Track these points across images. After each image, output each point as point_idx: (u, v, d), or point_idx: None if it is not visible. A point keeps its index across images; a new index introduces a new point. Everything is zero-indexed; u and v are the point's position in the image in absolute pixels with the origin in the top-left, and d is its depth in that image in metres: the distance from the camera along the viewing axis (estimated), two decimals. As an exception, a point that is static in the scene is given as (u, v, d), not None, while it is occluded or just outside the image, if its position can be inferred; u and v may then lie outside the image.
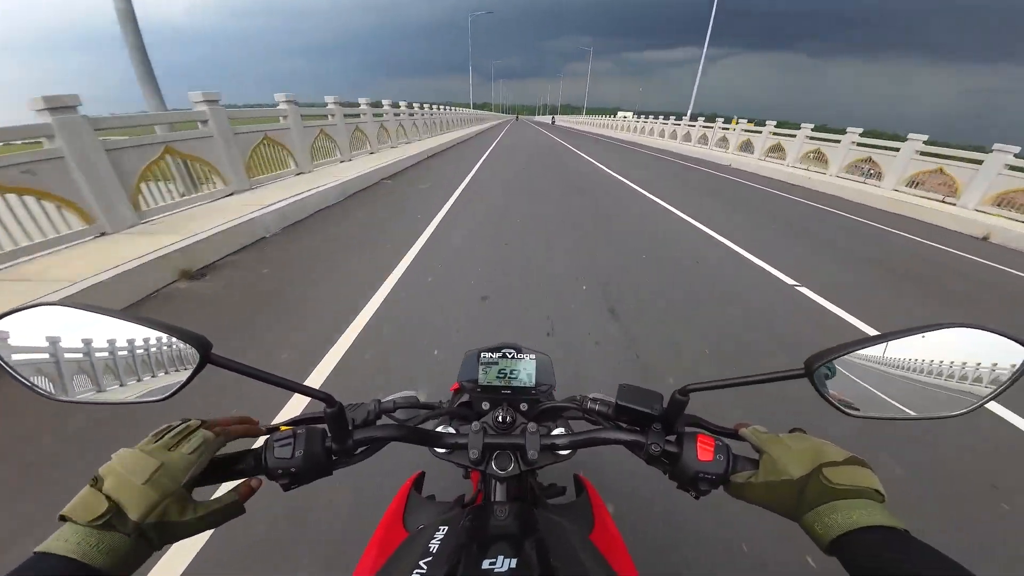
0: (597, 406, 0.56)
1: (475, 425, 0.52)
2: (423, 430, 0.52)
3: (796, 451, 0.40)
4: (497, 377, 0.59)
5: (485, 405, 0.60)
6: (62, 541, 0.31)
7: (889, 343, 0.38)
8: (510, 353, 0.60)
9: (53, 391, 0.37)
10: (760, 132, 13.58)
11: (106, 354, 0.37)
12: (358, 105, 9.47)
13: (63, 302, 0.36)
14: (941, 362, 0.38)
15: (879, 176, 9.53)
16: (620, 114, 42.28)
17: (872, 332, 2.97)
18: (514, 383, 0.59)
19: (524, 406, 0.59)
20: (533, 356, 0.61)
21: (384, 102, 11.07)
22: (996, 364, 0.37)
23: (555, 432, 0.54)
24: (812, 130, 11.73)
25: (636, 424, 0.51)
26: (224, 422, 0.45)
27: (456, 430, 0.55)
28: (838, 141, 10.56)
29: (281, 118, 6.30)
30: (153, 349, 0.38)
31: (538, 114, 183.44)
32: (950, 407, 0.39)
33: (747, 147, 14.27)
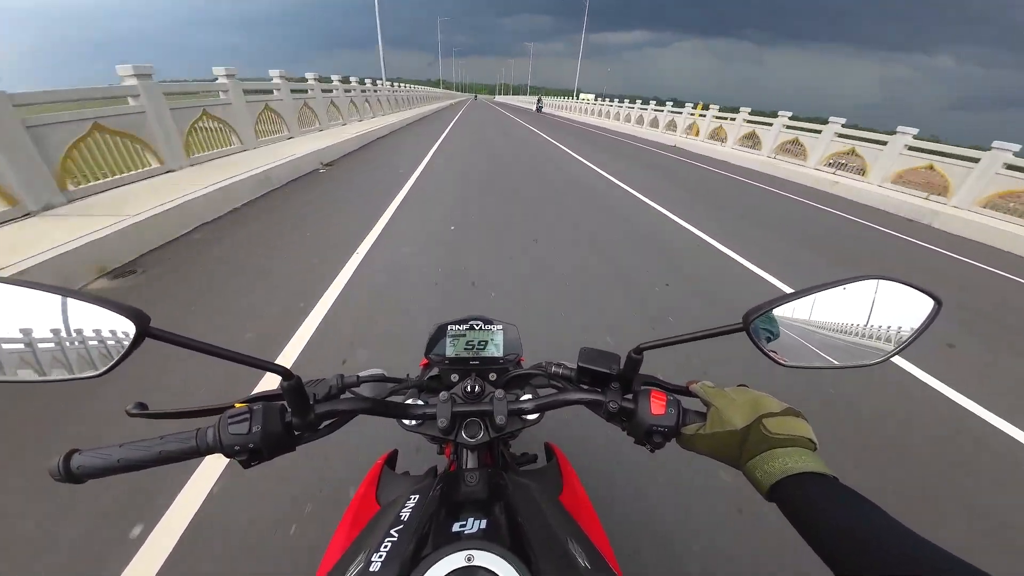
0: (561, 370, 0.57)
1: (443, 395, 0.52)
2: (390, 402, 0.52)
3: (739, 403, 0.44)
4: (465, 348, 0.60)
5: (454, 377, 0.59)
6: None
7: (816, 295, 0.42)
8: (477, 325, 0.61)
9: None
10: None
11: (38, 330, 0.36)
12: (270, 81, 8.39)
13: None
14: (861, 312, 0.42)
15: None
16: (583, 96, 40.93)
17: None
18: (482, 354, 0.60)
19: (493, 376, 0.60)
20: (500, 327, 0.61)
21: (309, 76, 9.82)
22: (908, 313, 0.42)
23: (523, 398, 0.55)
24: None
25: (597, 385, 0.53)
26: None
27: (425, 402, 0.54)
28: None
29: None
30: (88, 323, 0.36)
31: (499, 94, 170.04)
32: (869, 356, 0.43)
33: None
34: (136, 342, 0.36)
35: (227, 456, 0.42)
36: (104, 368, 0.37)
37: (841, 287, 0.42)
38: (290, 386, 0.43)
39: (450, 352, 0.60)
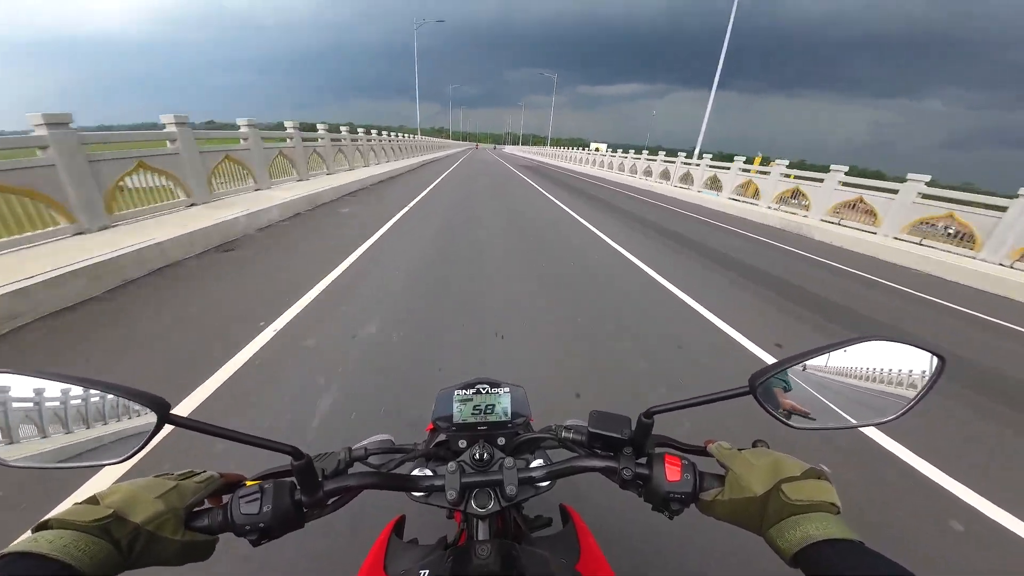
0: (571, 435, 0.59)
1: (451, 465, 0.53)
2: (397, 475, 0.53)
3: (757, 467, 0.44)
4: (472, 414, 0.61)
5: (462, 443, 0.60)
6: (45, 543, 0.33)
7: (817, 359, 0.46)
8: (484, 388, 0.62)
9: (6, 457, 0.37)
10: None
11: (60, 418, 0.39)
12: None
13: (13, 370, 0.37)
14: (866, 372, 0.46)
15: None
16: (593, 146, 41.33)
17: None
18: (490, 418, 0.61)
19: (501, 440, 0.61)
20: (507, 389, 0.63)
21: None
22: (912, 371, 0.45)
23: (533, 464, 0.56)
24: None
25: (609, 449, 0.54)
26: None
27: (433, 471, 0.55)
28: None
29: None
30: (110, 410, 0.39)
31: (507, 144, 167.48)
32: (877, 415, 0.47)
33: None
34: (156, 429, 0.38)
35: (238, 535, 0.44)
36: (126, 455, 0.40)
37: (842, 349, 0.45)
38: (300, 466, 0.45)
39: (457, 417, 0.61)
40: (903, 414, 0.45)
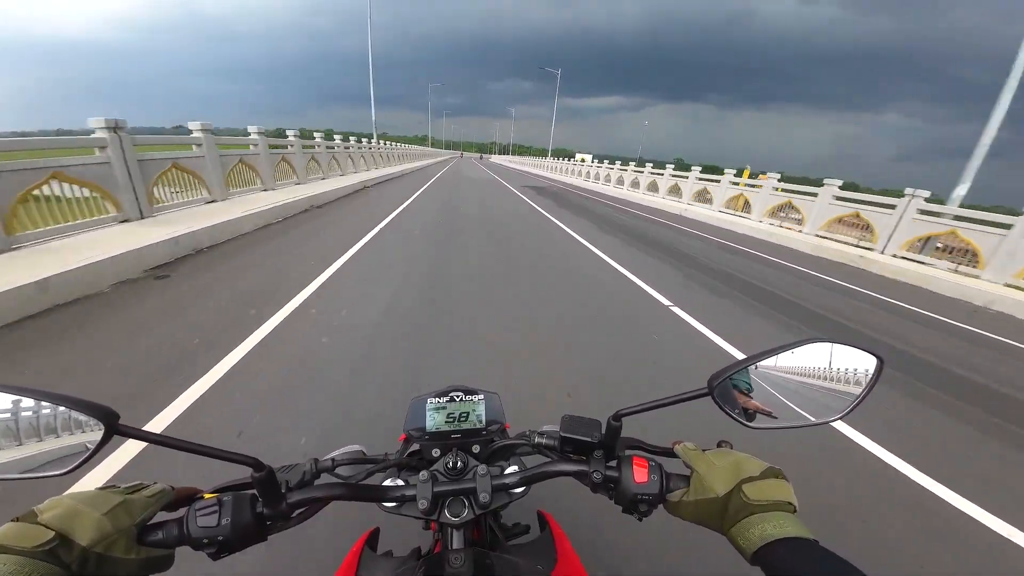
0: (544, 439, 0.59)
1: (423, 475, 0.53)
2: (366, 485, 0.53)
3: (719, 468, 0.46)
4: (446, 422, 0.60)
5: (435, 452, 0.59)
6: None
7: (771, 359, 0.48)
8: (457, 396, 0.61)
9: None
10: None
11: (7, 428, 0.38)
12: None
13: None
14: (814, 373, 0.49)
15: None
16: (579, 156, 42.12)
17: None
18: (464, 426, 0.60)
19: (476, 448, 0.60)
20: (481, 396, 0.62)
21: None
22: (856, 371, 0.49)
23: (507, 471, 0.56)
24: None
25: (581, 453, 0.55)
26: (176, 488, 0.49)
27: (405, 481, 0.55)
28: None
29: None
30: (56, 421, 0.39)
31: (496, 153, 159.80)
32: (824, 414, 0.49)
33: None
34: (104, 440, 0.37)
35: (194, 548, 0.43)
36: (70, 467, 0.39)
37: (790, 351, 0.47)
38: (261, 478, 0.45)
39: (430, 426, 0.60)
40: (852, 410, 0.48)
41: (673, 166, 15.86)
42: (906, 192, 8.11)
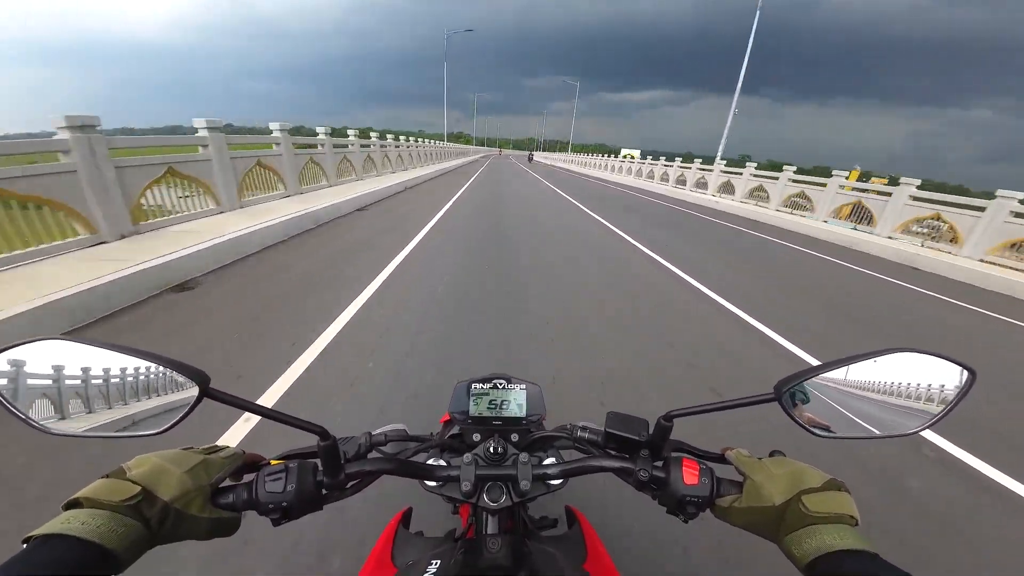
0: (587, 434, 0.59)
1: (467, 457, 0.54)
2: (414, 463, 0.54)
3: (777, 477, 0.44)
4: (488, 408, 0.62)
5: (476, 436, 0.61)
6: (77, 523, 0.33)
7: (849, 367, 0.45)
8: (500, 383, 0.62)
9: (49, 425, 0.39)
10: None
11: (103, 387, 0.40)
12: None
13: (63, 336, 0.38)
14: (896, 384, 0.45)
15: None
16: (624, 152, 37.85)
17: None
18: (504, 413, 0.61)
19: (515, 436, 0.61)
20: (523, 386, 0.63)
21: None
22: (943, 385, 0.44)
23: (547, 462, 0.56)
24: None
25: (624, 451, 0.54)
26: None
27: (447, 462, 0.57)
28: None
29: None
30: (152, 381, 0.40)
31: (539, 150, 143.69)
32: (903, 426, 0.45)
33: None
34: (196, 402, 0.39)
35: (260, 513, 0.45)
36: (166, 426, 0.40)
37: (872, 360, 0.44)
38: (327, 447, 0.46)
39: (473, 411, 0.62)
40: (927, 427, 0.45)
41: (756, 165, 13.30)
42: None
